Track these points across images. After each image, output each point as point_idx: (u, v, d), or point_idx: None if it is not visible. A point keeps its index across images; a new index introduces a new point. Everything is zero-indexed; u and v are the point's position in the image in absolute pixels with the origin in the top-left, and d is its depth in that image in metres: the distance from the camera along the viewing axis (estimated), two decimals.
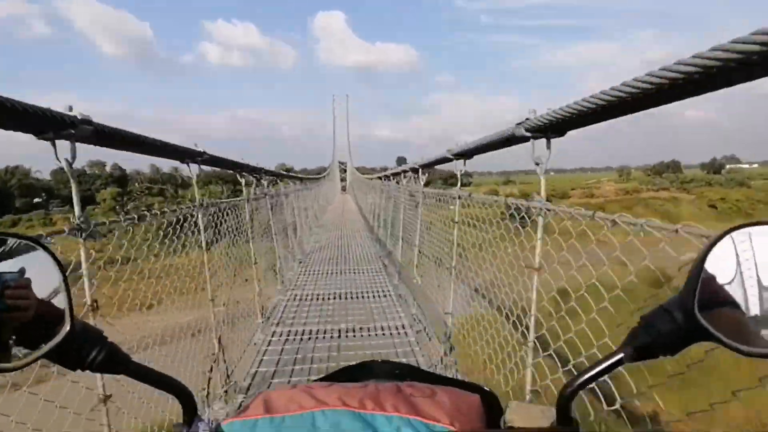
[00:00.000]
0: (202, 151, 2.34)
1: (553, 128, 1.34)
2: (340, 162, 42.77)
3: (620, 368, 0.40)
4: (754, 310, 0.32)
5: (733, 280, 0.33)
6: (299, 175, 9.76)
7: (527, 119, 1.40)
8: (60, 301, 0.37)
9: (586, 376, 0.40)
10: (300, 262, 6.52)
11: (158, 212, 2.04)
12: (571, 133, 1.38)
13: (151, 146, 1.80)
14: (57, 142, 1.19)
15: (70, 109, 1.17)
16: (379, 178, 8.01)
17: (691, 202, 39.21)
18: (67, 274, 0.39)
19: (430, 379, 0.58)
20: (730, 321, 0.33)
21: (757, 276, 0.33)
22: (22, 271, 0.36)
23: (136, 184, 42.50)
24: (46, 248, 0.38)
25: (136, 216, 1.79)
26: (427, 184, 3.88)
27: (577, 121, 1.19)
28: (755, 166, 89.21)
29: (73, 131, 1.18)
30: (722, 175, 55.08)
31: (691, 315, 0.33)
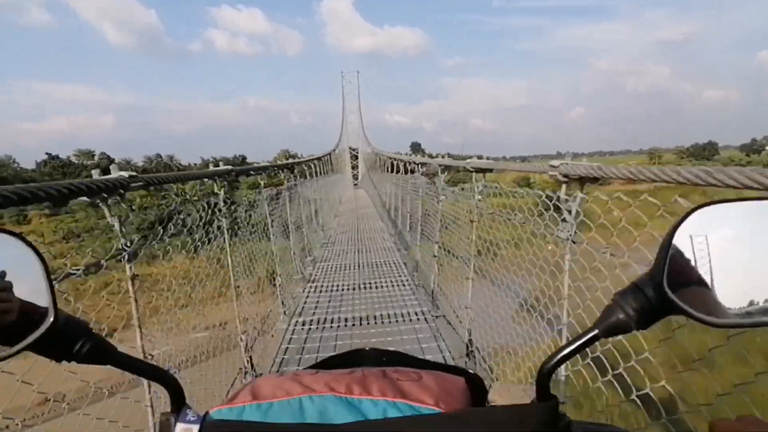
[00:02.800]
0: (230, 168, 3.21)
1: (588, 179, 1.49)
2: (351, 148, 39.03)
3: None
4: (719, 283, 0.36)
5: (699, 255, 0.37)
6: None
7: (561, 164, 1.59)
8: (43, 295, 0.39)
9: (564, 352, 0.44)
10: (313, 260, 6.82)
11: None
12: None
13: (192, 176, 2.93)
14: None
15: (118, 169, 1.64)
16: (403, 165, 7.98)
17: None
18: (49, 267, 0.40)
19: (417, 364, 0.63)
20: (697, 295, 0.37)
21: (722, 251, 0.37)
22: (2, 274, 0.38)
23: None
24: (25, 240, 0.41)
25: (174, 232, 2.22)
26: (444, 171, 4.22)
27: (612, 178, 1.38)
28: None
29: (123, 192, 1.58)
30: (762, 156, 54.13)
31: (661, 290, 0.37)
